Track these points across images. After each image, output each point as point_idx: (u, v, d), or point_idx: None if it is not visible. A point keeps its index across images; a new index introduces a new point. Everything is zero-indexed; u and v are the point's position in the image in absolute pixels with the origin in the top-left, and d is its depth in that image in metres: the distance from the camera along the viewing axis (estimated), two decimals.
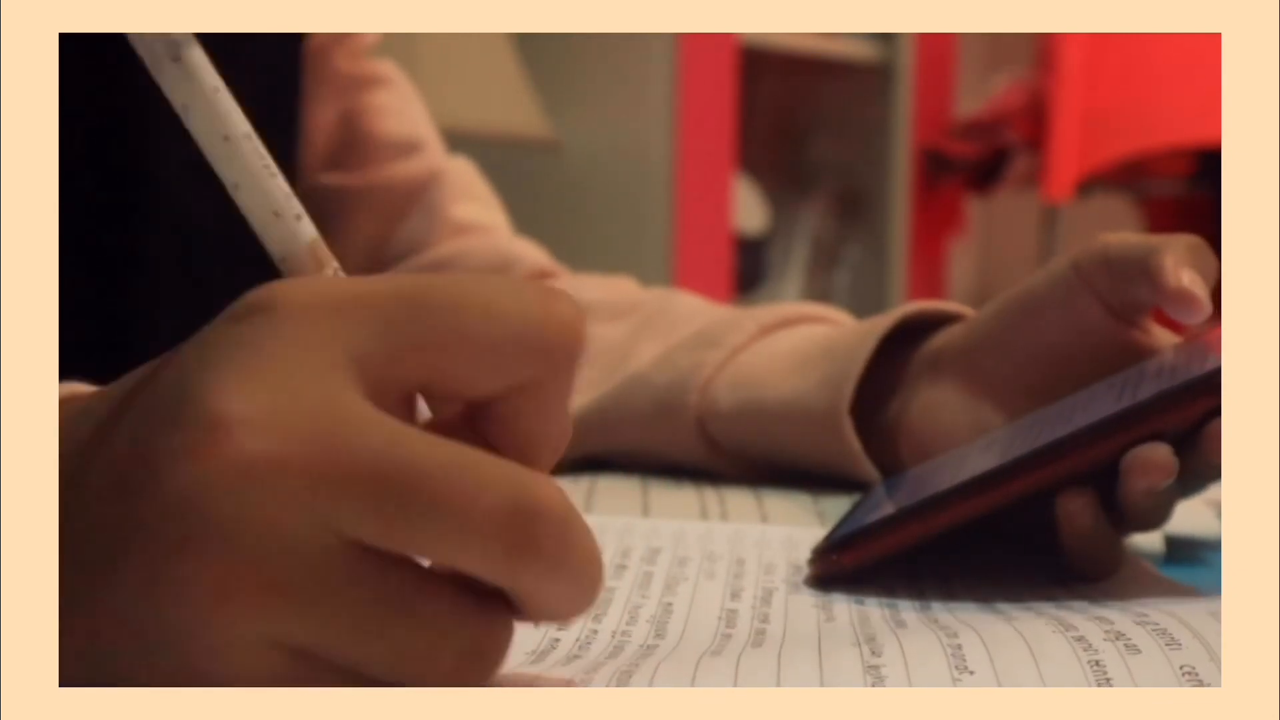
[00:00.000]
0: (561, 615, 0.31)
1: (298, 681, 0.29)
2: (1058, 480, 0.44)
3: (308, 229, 0.32)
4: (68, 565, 0.30)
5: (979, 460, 0.48)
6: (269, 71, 0.40)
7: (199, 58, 0.32)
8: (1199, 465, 0.44)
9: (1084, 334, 0.54)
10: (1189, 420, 0.43)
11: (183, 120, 0.32)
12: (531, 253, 0.79)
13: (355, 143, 0.75)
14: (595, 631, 0.40)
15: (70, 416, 0.32)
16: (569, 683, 0.33)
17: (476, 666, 0.30)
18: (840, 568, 0.45)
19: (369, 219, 0.75)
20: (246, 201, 0.32)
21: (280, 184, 0.32)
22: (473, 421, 0.31)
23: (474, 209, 0.79)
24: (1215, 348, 0.46)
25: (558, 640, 0.39)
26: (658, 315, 0.71)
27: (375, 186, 0.75)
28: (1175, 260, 0.50)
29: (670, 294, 0.74)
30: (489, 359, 0.30)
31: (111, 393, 0.32)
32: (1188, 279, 0.50)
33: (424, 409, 0.32)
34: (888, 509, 0.47)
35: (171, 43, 0.31)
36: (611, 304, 0.73)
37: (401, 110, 0.77)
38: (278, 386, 0.28)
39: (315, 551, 0.28)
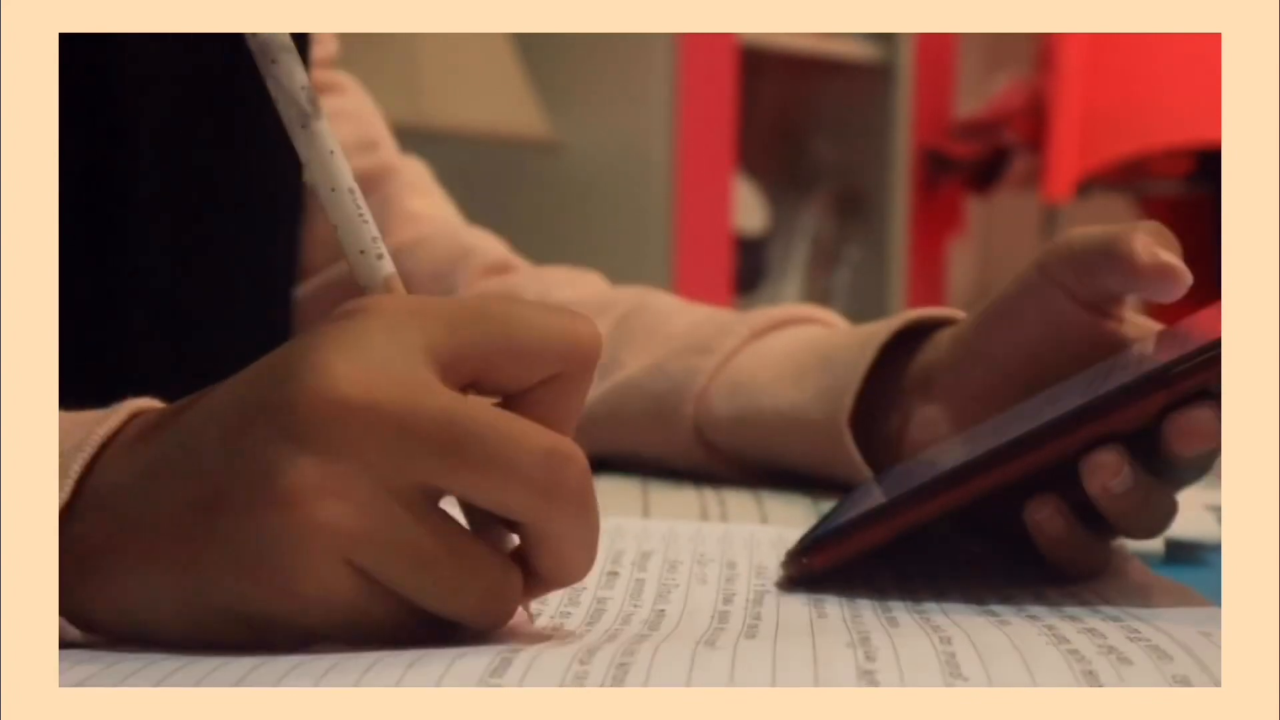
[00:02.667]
0: (573, 562, 0.38)
1: (363, 603, 0.35)
2: (1018, 479, 0.44)
3: (387, 265, 0.41)
4: (183, 512, 0.36)
5: (948, 459, 0.47)
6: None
7: (321, 126, 0.40)
8: (1170, 460, 0.44)
9: (1060, 332, 0.53)
10: (1148, 415, 0.43)
11: (305, 168, 0.40)
12: (488, 243, 0.80)
13: None
14: (589, 632, 0.40)
15: (164, 416, 0.38)
16: (542, 636, 0.39)
17: (495, 605, 0.37)
18: (810, 570, 0.45)
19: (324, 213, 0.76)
20: (342, 239, 0.41)
21: (370, 229, 0.41)
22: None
23: (429, 203, 0.80)
24: (1193, 334, 0.45)
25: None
26: (634, 316, 0.71)
27: None
28: (1144, 241, 0.50)
29: (643, 292, 0.75)
30: (531, 355, 0.37)
31: (195, 398, 0.38)
32: (1164, 254, 0.50)
33: None
34: (857, 510, 0.47)
35: (303, 113, 0.40)
36: (584, 303, 0.74)
37: (356, 115, 0.79)
38: (371, 358, 0.36)
39: (390, 488, 0.35)
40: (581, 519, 0.37)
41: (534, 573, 0.38)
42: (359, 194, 0.41)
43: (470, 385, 0.37)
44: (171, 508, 0.36)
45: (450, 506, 0.37)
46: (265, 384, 0.36)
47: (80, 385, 0.42)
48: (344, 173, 0.41)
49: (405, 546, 0.35)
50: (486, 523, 0.38)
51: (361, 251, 0.41)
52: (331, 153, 0.40)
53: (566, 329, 0.38)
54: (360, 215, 0.41)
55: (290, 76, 0.40)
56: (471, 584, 0.36)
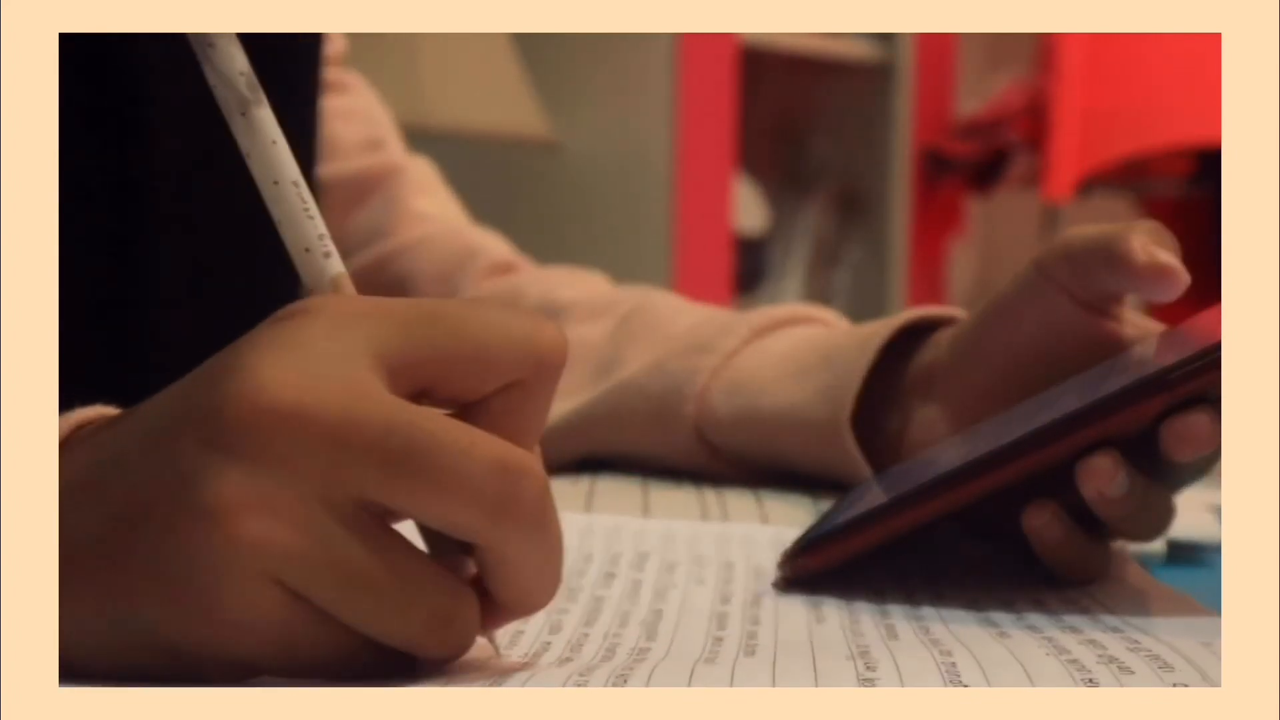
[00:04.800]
0: (532, 588, 0.35)
1: (294, 627, 0.33)
2: (1015, 482, 0.44)
3: (335, 265, 0.38)
4: (106, 528, 0.33)
5: (946, 461, 0.47)
6: (293, 74, 0.42)
7: (262, 114, 0.38)
8: (1167, 462, 0.44)
9: (1059, 332, 0.53)
10: (1145, 419, 0.43)
11: (246, 160, 0.38)
12: (493, 243, 0.80)
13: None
14: (587, 635, 0.40)
15: (106, 423, 0.36)
16: (525, 665, 0.36)
17: (443, 632, 0.34)
18: (806, 571, 0.45)
19: (328, 210, 0.75)
20: (286, 236, 0.38)
21: (315, 225, 0.38)
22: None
23: (435, 203, 0.80)
24: (1193, 337, 0.45)
25: (549, 644, 0.39)
26: (636, 315, 0.71)
27: (334, 178, 0.75)
28: (1142, 241, 0.50)
29: (646, 292, 0.75)
30: (486, 360, 0.35)
31: (134, 408, 0.36)
32: (1161, 254, 0.50)
33: None
34: (854, 511, 0.47)
35: (242, 99, 0.38)
36: (588, 303, 0.73)
37: (363, 114, 0.79)
38: (309, 361, 0.33)
39: (324, 501, 0.32)
40: (537, 539, 0.34)
41: (492, 599, 0.35)
42: (304, 187, 0.38)
43: (423, 393, 0.35)
44: (92, 525, 0.33)
45: (411, 533, 0.35)
46: (193, 390, 0.34)
47: (98, 385, 0.41)
48: (287, 164, 0.38)
49: (339, 565, 0.32)
50: (447, 548, 0.35)
51: (307, 249, 0.38)
52: (274, 143, 0.38)
53: (526, 333, 0.35)
54: (305, 210, 0.38)
55: (228, 61, 0.38)
56: (414, 607, 0.33)
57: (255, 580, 0.32)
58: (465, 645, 0.35)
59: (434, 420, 0.33)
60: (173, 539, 0.32)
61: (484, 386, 0.35)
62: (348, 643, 0.33)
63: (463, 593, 0.34)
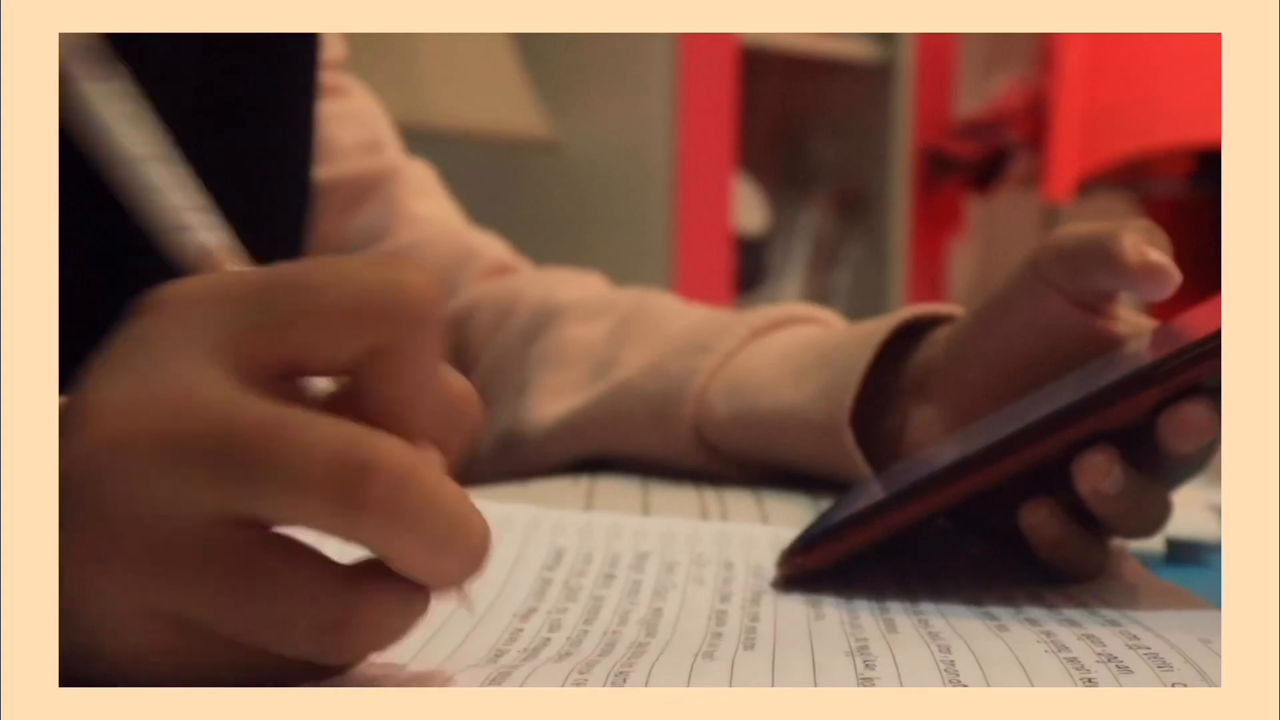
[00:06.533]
0: (434, 571, 0.32)
1: (186, 650, 0.31)
2: (1011, 477, 0.44)
3: (203, 238, 0.36)
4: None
5: (944, 458, 0.47)
6: (291, 76, 0.42)
7: (94, 88, 0.37)
8: (1165, 456, 0.44)
9: (1053, 331, 0.53)
10: (1141, 412, 0.43)
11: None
12: (491, 245, 0.80)
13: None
14: (586, 631, 0.40)
15: None
16: (448, 680, 0.34)
17: (334, 639, 0.31)
18: (805, 569, 0.45)
19: (326, 212, 0.75)
20: (148, 217, 0.36)
21: (176, 197, 0.36)
22: (355, 400, 0.33)
23: (433, 206, 0.80)
24: (1187, 330, 0.45)
25: (549, 640, 0.39)
26: (635, 316, 0.71)
27: (332, 181, 0.75)
28: (1134, 240, 0.50)
29: (645, 293, 0.75)
30: (337, 325, 0.31)
31: None
32: (1152, 253, 0.50)
33: (317, 389, 0.34)
34: (853, 509, 0.47)
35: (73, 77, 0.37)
36: (586, 304, 0.74)
37: (360, 117, 0.79)
38: (139, 371, 0.31)
39: (175, 522, 0.30)
40: (400, 531, 0.31)
41: None
42: (157, 165, 0.36)
43: (290, 368, 0.32)
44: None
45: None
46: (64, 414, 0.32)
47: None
48: (138, 143, 0.36)
49: (209, 584, 0.31)
50: None
51: (173, 229, 0.36)
52: (123, 121, 0.37)
53: (380, 283, 0.31)
54: (156, 189, 0.36)
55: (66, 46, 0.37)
56: (295, 619, 0.31)
57: (138, 618, 0.31)
58: (371, 645, 0.32)
59: (272, 416, 0.30)
60: (62, 579, 0.32)
61: (344, 350, 0.32)
62: (251, 656, 0.32)
63: (352, 597, 0.31)
